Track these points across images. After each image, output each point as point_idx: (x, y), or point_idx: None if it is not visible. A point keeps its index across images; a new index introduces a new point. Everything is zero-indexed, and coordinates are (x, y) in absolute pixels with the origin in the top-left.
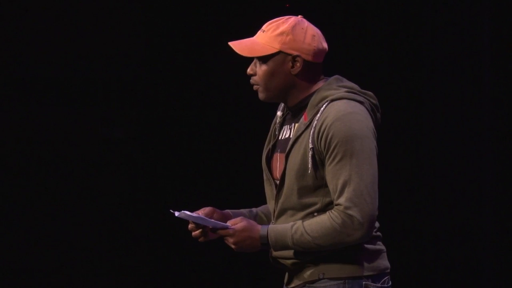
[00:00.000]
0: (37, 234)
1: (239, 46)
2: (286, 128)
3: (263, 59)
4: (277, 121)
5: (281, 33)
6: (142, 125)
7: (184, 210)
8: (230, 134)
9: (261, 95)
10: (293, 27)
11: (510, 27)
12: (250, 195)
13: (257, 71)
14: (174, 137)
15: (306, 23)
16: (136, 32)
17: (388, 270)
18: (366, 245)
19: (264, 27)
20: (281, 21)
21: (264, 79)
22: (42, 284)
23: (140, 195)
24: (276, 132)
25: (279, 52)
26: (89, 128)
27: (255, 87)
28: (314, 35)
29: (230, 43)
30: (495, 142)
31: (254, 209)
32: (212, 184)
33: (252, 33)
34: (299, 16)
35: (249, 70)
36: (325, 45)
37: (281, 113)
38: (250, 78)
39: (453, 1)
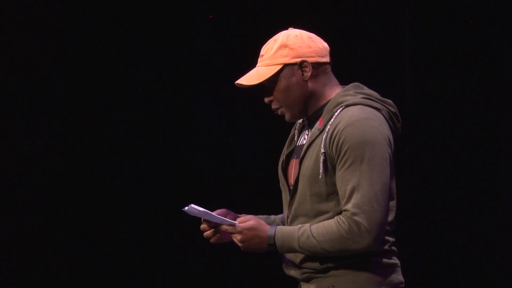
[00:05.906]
0: None
1: (246, 79)
2: (303, 135)
3: (274, 81)
4: (297, 128)
5: (279, 48)
6: (64, 136)
7: (191, 204)
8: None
9: (288, 116)
10: (287, 38)
11: None
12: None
13: (274, 95)
14: (99, 147)
15: (297, 30)
16: (59, 40)
17: (402, 285)
18: (380, 259)
19: (261, 52)
20: (273, 39)
21: (283, 98)
22: None
23: (62, 208)
24: (295, 139)
25: (284, 67)
26: (9, 139)
27: (279, 112)
28: (310, 37)
29: (237, 82)
30: None
31: (272, 216)
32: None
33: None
34: (289, 28)
35: (265, 100)
36: (325, 44)
37: (301, 120)
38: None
39: None
